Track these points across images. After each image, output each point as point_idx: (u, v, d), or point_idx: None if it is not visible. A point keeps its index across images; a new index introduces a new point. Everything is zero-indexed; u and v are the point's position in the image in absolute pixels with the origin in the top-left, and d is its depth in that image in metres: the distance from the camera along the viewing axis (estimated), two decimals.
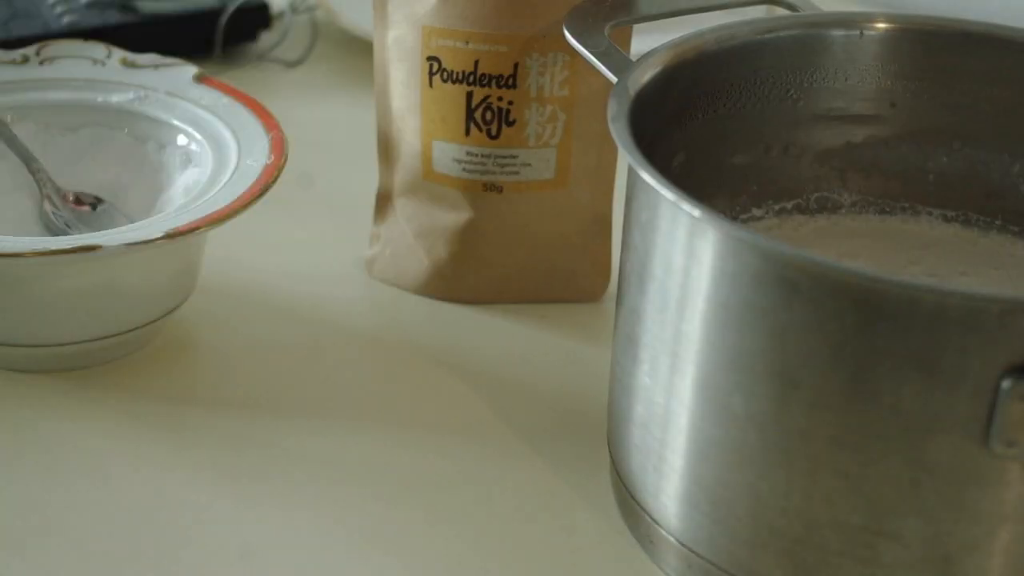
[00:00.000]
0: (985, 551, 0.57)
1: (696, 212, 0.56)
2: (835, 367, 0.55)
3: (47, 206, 0.78)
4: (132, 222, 0.76)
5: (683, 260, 0.58)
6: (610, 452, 0.67)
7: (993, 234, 0.71)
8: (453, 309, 0.81)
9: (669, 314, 0.60)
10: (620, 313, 0.65)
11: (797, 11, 0.71)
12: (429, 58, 0.78)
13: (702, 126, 0.64)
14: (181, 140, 0.80)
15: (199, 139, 0.79)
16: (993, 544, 0.57)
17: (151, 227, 0.71)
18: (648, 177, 0.58)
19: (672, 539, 0.63)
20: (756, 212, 0.72)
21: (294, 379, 0.75)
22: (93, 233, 0.72)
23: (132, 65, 0.83)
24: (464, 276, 0.81)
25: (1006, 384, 0.53)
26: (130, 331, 0.74)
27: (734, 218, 0.71)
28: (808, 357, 0.56)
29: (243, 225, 0.74)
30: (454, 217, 0.80)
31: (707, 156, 0.66)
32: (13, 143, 0.79)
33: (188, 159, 0.79)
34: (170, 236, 0.69)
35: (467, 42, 0.76)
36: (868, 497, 0.56)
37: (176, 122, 0.80)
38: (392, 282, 0.83)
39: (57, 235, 0.77)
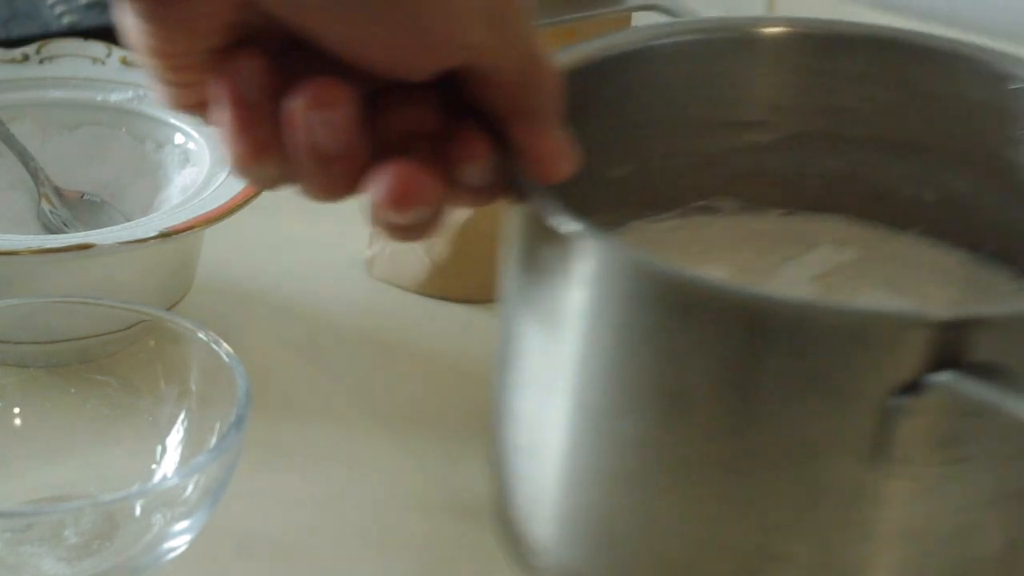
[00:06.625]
0: (877, 570, 0.55)
1: (573, 228, 0.54)
2: (723, 389, 0.53)
3: (45, 205, 0.78)
4: (130, 221, 0.76)
5: (563, 279, 0.55)
6: (492, 479, 0.63)
7: (894, 234, 0.68)
8: (453, 309, 0.81)
9: (551, 335, 0.57)
10: (502, 334, 0.61)
11: (676, 17, 0.69)
12: None
13: (582, 138, 0.61)
14: (179, 139, 0.80)
15: (197, 138, 0.79)
16: (885, 563, 0.55)
17: (146, 226, 0.71)
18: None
19: (557, 569, 0.59)
20: (636, 224, 0.68)
21: (293, 378, 0.75)
22: (88, 232, 0.72)
23: (132, 64, 0.83)
24: (464, 275, 0.81)
25: (895, 402, 0.51)
26: (125, 329, 0.73)
27: (616, 231, 0.67)
28: (695, 379, 0.53)
29: (241, 224, 0.74)
30: (454, 216, 0.80)
31: (586, 168, 0.63)
32: (11, 142, 0.80)
33: (186, 158, 0.79)
34: (164, 235, 0.70)
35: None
36: (760, 520, 0.54)
37: (174, 121, 0.80)
38: (392, 282, 0.83)
39: (55, 234, 0.77)
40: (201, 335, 0.65)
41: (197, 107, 0.52)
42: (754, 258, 0.67)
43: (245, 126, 0.51)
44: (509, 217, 0.59)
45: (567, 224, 0.54)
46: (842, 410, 0.52)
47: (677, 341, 0.53)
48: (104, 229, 0.71)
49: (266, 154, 0.51)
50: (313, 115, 0.50)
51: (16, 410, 0.68)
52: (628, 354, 0.54)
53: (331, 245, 0.85)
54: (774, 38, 0.67)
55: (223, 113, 0.51)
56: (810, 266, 0.67)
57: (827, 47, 0.67)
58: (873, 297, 0.66)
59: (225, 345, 0.65)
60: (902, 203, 0.68)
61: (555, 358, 0.57)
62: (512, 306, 0.59)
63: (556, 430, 0.57)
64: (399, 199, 0.51)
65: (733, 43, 0.67)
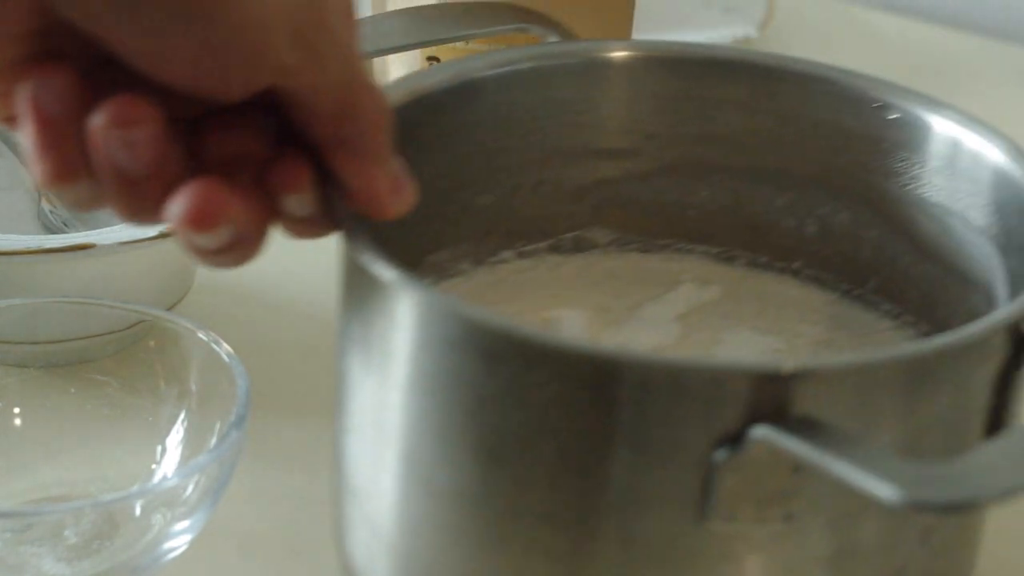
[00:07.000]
0: None
1: (388, 274, 0.52)
2: (541, 441, 0.51)
3: (45, 205, 0.79)
4: None
5: (383, 324, 0.53)
6: (333, 525, 0.61)
7: (759, 272, 0.66)
8: None
9: (374, 380, 0.55)
10: (336, 372, 0.59)
11: (550, 40, 0.67)
12: (429, 58, 0.77)
13: (441, 167, 0.59)
14: None
15: None
16: None
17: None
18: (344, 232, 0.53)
19: None
20: (505, 255, 0.66)
21: (292, 378, 0.75)
22: (88, 232, 0.72)
23: None
24: None
25: (719, 456, 0.49)
26: (125, 329, 0.74)
27: (480, 263, 0.65)
28: (510, 429, 0.51)
29: None
30: None
31: (449, 198, 0.60)
32: (11, 142, 0.80)
33: None
34: (164, 235, 0.70)
35: (467, 41, 0.76)
36: None
37: None
38: None
39: (55, 234, 0.77)
40: (201, 335, 0.65)
41: (8, 121, 0.50)
42: (613, 298, 0.65)
43: (50, 144, 0.48)
44: (341, 259, 0.57)
45: (383, 269, 0.52)
46: (663, 463, 0.50)
47: (491, 390, 0.51)
48: (104, 229, 0.71)
49: (73, 175, 0.48)
50: (114, 133, 0.47)
51: (16, 410, 0.68)
52: (445, 402, 0.52)
53: (331, 245, 0.85)
54: (644, 63, 0.65)
55: (28, 129, 0.48)
56: (672, 305, 0.65)
57: (695, 73, 0.64)
58: (737, 337, 0.64)
59: (225, 345, 0.65)
60: (784, 236, 0.66)
61: (382, 402, 0.55)
62: (342, 345, 0.57)
63: (386, 477, 0.55)
64: (196, 218, 0.48)
65: (596, 68, 0.64)
